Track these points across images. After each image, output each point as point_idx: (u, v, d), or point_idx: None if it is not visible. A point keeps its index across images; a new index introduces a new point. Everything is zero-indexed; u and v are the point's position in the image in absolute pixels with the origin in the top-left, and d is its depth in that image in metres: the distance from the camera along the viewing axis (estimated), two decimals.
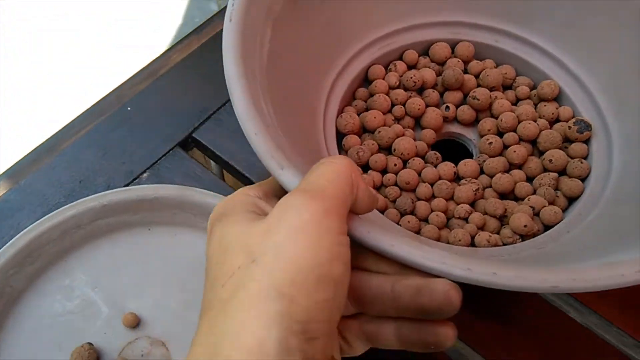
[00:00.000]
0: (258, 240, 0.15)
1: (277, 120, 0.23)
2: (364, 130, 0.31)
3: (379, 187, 0.29)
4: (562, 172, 0.29)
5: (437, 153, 0.30)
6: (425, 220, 0.28)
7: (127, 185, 0.31)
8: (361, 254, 0.18)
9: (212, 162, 0.35)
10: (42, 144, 0.34)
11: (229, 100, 0.34)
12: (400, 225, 0.27)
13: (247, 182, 0.32)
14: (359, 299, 0.18)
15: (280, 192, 0.19)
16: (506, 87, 0.33)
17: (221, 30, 0.38)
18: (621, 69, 0.29)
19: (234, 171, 0.33)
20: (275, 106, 0.23)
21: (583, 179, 0.28)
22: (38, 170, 0.32)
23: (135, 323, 0.27)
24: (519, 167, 0.30)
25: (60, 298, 0.28)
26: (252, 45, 0.23)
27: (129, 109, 0.35)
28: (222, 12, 0.41)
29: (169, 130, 0.34)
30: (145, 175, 0.32)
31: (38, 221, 0.28)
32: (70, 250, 0.29)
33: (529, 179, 0.29)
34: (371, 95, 0.32)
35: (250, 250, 0.15)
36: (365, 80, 0.33)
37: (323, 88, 0.30)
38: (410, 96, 0.31)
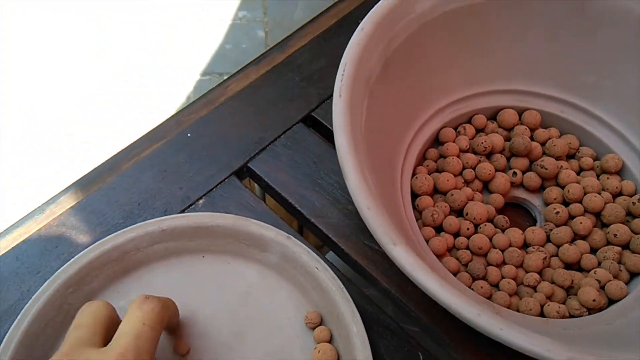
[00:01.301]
0: None
1: (375, 189, 0.24)
2: (435, 191, 0.32)
3: (450, 249, 0.30)
4: (625, 246, 0.30)
5: (505, 217, 0.32)
6: (496, 285, 0.29)
7: (184, 210, 0.32)
8: None
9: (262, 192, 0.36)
10: (103, 163, 0.35)
11: (284, 132, 0.36)
12: (472, 289, 0.28)
13: (298, 214, 0.33)
14: None
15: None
16: (569, 156, 0.34)
17: (278, 64, 0.40)
18: None
19: (286, 204, 0.33)
20: (372, 174, 0.25)
21: None
22: (98, 189, 0.33)
23: (186, 351, 0.27)
24: (583, 238, 0.31)
25: None
26: (356, 117, 0.25)
27: (188, 135, 0.35)
28: (279, 46, 0.42)
29: (225, 159, 0.34)
30: (201, 201, 0.33)
31: (99, 241, 0.28)
32: (127, 272, 0.29)
33: (593, 250, 0.31)
34: (441, 156, 0.33)
35: None
36: (435, 141, 0.34)
37: (401, 150, 0.31)
38: (480, 160, 0.33)
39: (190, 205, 0.32)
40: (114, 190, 0.32)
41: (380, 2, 0.27)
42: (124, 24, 1.14)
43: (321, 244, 0.34)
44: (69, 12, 1.15)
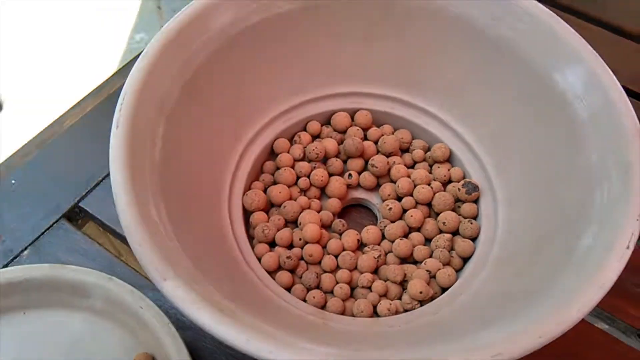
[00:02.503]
0: None
1: (170, 220, 0.23)
2: (271, 205, 0.32)
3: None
4: (456, 232, 0.31)
5: (342, 221, 0.32)
6: (331, 292, 0.29)
7: (7, 264, 0.30)
8: None
9: None
10: None
11: None
12: (306, 301, 0.28)
13: None
14: None
15: None
16: (404, 150, 0.35)
17: (117, 90, 0.39)
18: (498, 130, 0.32)
19: (124, 239, 0.32)
20: (170, 203, 0.24)
21: (474, 239, 0.31)
22: None
23: None
24: (418, 229, 0.31)
25: None
26: (142, 148, 0.24)
27: (12, 181, 0.33)
28: (120, 72, 0.41)
29: (54, 202, 0.32)
30: (25, 252, 0.31)
31: None
32: None
33: (428, 241, 0.31)
34: (277, 168, 0.33)
35: None
36: (271, 153, 0.34)
37: (227, 167, 0.31)
38: (314, 167, 0.33)
39: (14, 258, 0.31)
40: None
41: (165, 26, 0.26)
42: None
43: None
44: None
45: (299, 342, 0.19)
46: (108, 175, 0.34)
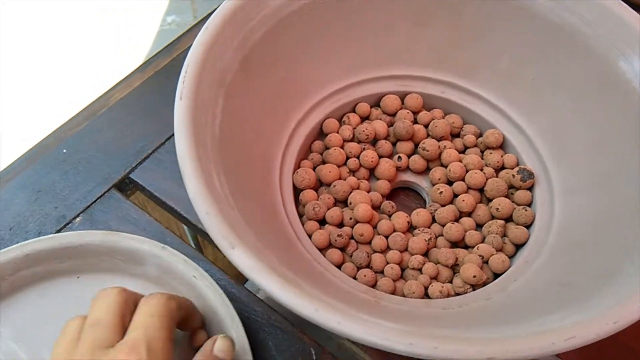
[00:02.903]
0: None
1: (230, 192, 0.23)
2: (320, 184, 0.32)
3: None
4: (509, 219, 0.31)
5: (391, 202, 0.31)
6: (382, 272, 0.29)
7: (59, 230, 0.31)
8: None
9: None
10: None
11: (169, 138, 0.35)
12: (357, 279, 0.28)
13: (185, 221, 0.32)
14: None
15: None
16: (454, 135, 0.34)
17: (162, 68, 0.39)
18: (558, 118, 0.31)
19: (172, 211, 0.33)
20: (229, 176, 0.24)
21: (528, 226, 0.30)
22: None
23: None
24: (469, 214, 0.31)
25: None
26: (204, 120, 0.24)
27: (64, 151, 0.34)
28: (165, 50, 0.41)
29: (104, 172, 0.33)
30: (78, 219, 0.31)
31: None
32: None
33: (479, 226, 0.31)
34: (326, 148, 0.33)
35: None
36: (321, 133, 0.34)
37: (279, 145, 0.31)
38: (363, 148, 0.33)
39: (67, 224, 0.31)
40: None
41: (226, 1, 0.26)
42: (43, 35, 1.09)
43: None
44: None
45: (363, 315, 0.19)
46: (157, 148, 0.35)
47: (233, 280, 0.30)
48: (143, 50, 1.08)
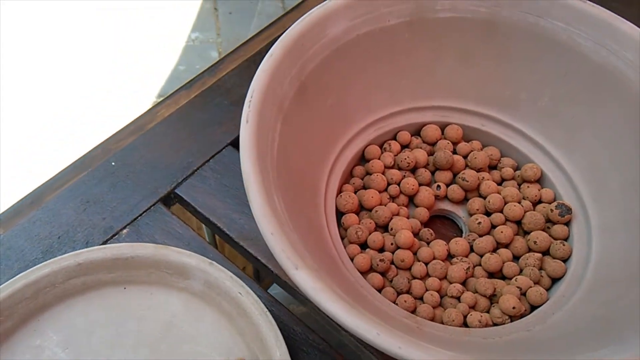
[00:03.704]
0: None
1: (287, 212, 0.24)
2: (361, 208, 0.33)
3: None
4: (546, 252, 0.31)
5: (430, 230, 0.32)
6: (421, 298, 0.29)
7: (106, 241, 0.32)
8: None
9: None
10: (25, 197, 0.34)
11: (213, 156, 0.36)
12: (397, 304, 0.29)
13: (227, 238, 0.33)
14: None
15: None
16: (492, 167, 0.35)
17: (208, 88, 0.40)
18: (597, 156, 0.32)
19: (215, 228, 0.33)
20: (285, 197, 0.25)
21: (565, 261, 0.31)
22: (18, 224, 0.32)
23: None
24: (506, 246, 0.32)
25: (29, 359, 0.27)
26: (265, 142, 0.25)
27: (112, 163, 0.35)
28: (210, 70, 0.42)
29: (151, 186, 0.34)
30: (125, 231, 0.32)
31: (11, 279, 0.27)
32: (43, 309, 0.28)
33: (515, 258, 0.32)
34: (368, 173, 0.34)
35: None
36: (361, 159, 0.35)
37: (324, 169, 0.32)
38: (404, 176, 0.33)
39: (114, 235, 0.32)
40: (34, 224, 0.32)
41: (289, 29, 0.28)
42: (73, 45, 1.12)
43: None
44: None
45: (420, 341, 0.20)
46: (202, 165, 0.36)
47: (272, 300, 0.30)
48: (172, 61, 1.11)
